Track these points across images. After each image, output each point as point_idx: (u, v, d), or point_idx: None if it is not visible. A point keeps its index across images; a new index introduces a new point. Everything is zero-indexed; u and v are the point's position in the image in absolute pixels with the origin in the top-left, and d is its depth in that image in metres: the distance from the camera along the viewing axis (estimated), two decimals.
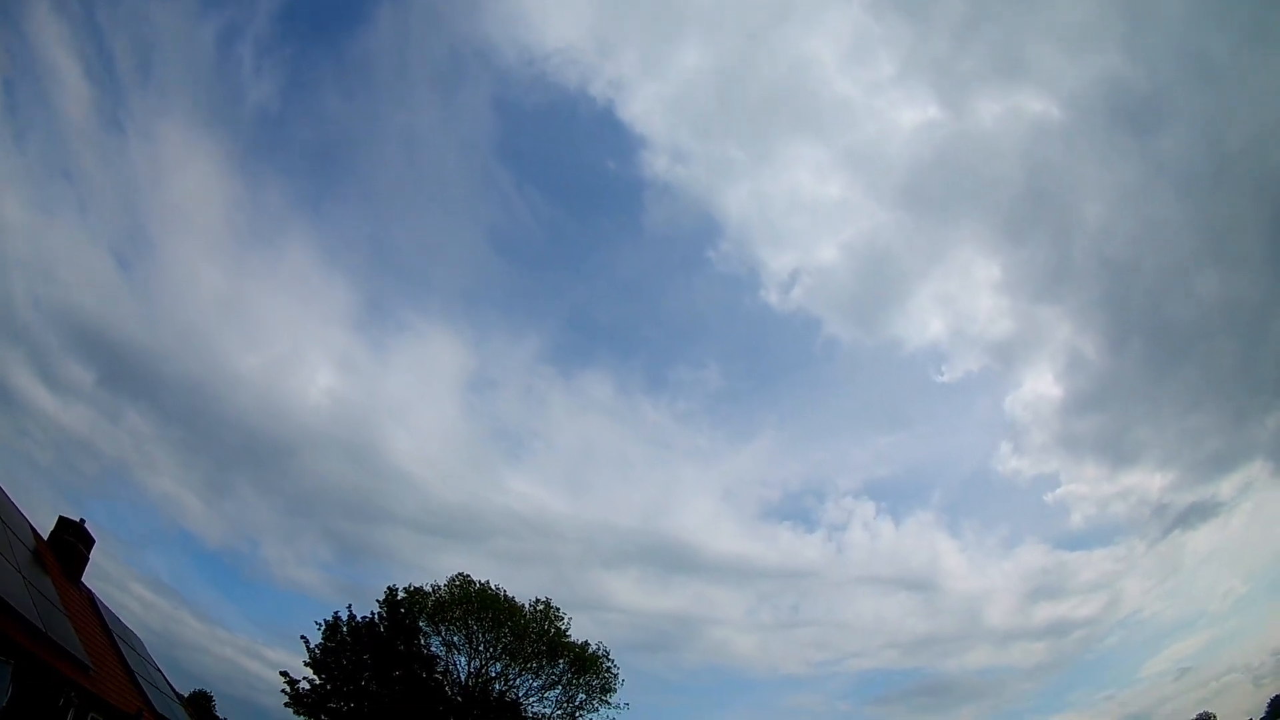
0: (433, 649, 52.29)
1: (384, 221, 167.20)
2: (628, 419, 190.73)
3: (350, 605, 48.48)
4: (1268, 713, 77.39)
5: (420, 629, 51.34)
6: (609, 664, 55.03)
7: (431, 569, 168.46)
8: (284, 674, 44.99)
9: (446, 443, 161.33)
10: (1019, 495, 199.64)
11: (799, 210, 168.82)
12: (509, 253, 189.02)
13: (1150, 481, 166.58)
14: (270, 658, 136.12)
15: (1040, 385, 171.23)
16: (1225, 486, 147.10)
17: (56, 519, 19.41)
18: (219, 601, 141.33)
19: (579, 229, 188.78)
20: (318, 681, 44.71)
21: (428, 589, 54.11)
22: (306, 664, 44.93)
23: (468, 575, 55.35)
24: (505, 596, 54.69)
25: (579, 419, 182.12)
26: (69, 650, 15.20)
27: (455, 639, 53.87)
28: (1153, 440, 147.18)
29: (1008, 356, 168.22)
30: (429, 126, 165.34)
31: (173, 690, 22.28)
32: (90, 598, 19.97)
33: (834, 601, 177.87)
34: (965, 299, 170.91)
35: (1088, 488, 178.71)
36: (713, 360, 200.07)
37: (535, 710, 54.29)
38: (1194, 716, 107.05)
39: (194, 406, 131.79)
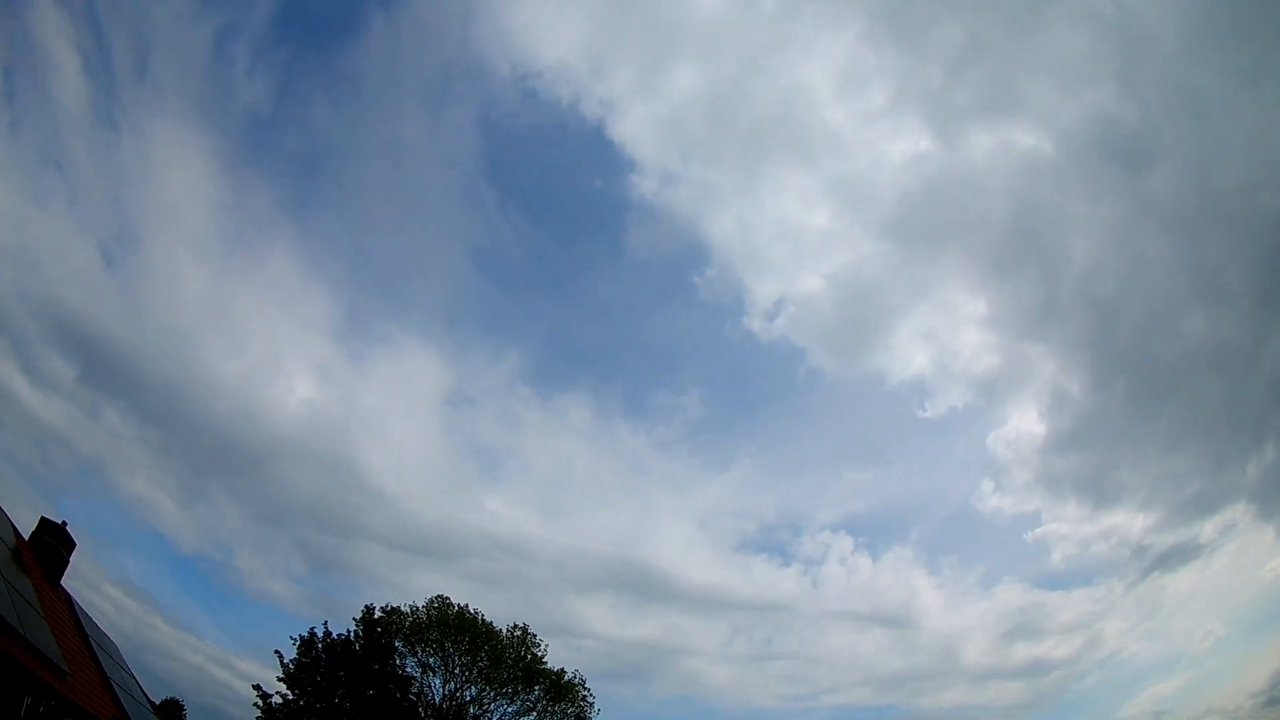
0: (408, 670, 51.66)
1: (367, 233, 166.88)
2: (605, 443, 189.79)
3: (326, 622, 47.79)
4: None
5: (396, 649, 50.79)
6: (585, 692, 54.54)
7: (403, 587, 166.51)
8: (257, 688, 44.29)
9: (422, 459, 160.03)
10: (999, 533, 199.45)
11: (785, 239, 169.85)
12: (490, 272, 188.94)
13: (1132, 522, 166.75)
14: (241, 669, 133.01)
15: (1024, 423, 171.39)
16: (1207, 529, 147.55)
17: (39, 520, 19.18)
18: (191, 608, 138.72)
19: (561, 251, 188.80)
20: (291, 697, 44.10)
21: (405, 609, 53.58)
22: (280, 679, 44.29)
23: (446, 598, 54.94)
24: (483, 621, 54.33)
25: (556, 441, 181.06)
26: (45, 654, 14.95)
27: (431, 661, 53.26)
28: (1135, 481, 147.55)
29: (992, 393, 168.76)
30: (415, 140, 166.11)
31: (146, 698, 21.89)
32: (69, 601, 19.66)
33: (808, 636, 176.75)
34: (950, 334, 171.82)
35: (1069, 527, 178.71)
36: (693, 387, 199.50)
37: None
38: None
39: (172, 408, 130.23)
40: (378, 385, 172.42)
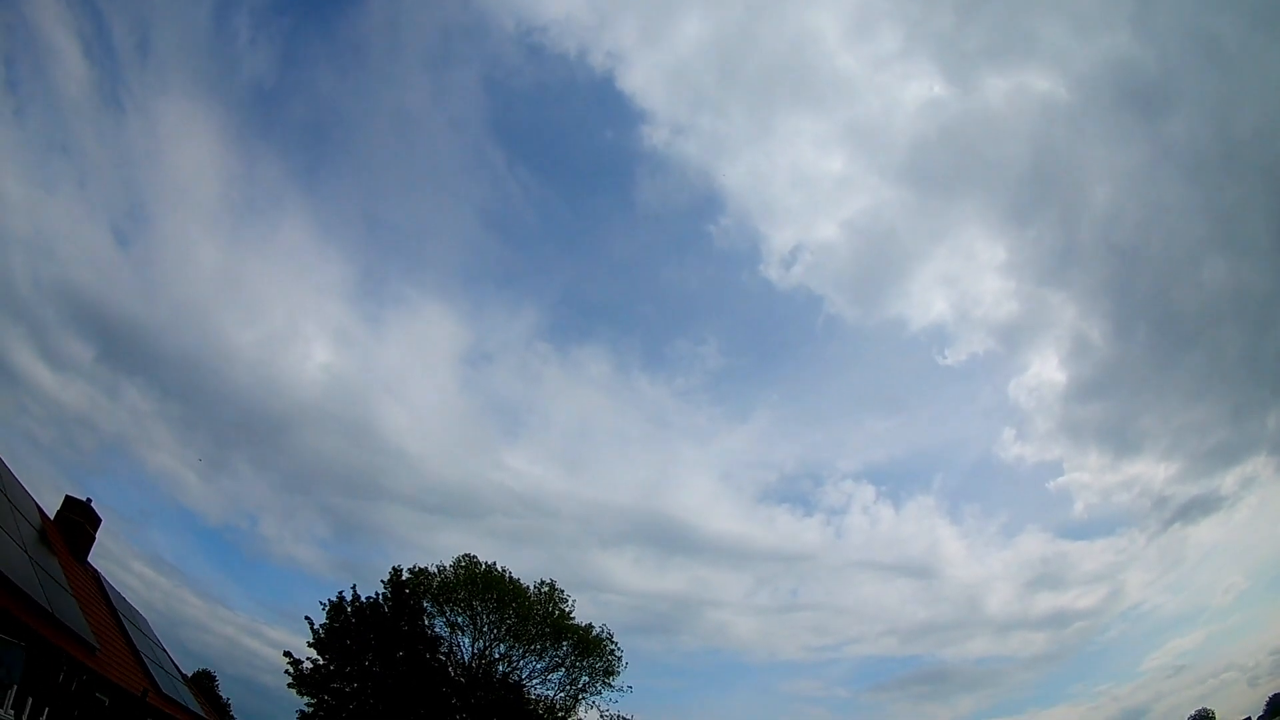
0: (437, 630, 52.30)
1: (377, 198, 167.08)
2: (625, 396, 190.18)
3: (354, 585, 48.63)
4: (1266, 711, 77.61)
5: (424, 610, 51.40)
6: (612, 647, 54.93)
7: (428, 547, 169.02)
8: (287, 654, 45.22)
9: (443, 419, 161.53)
10: (1021, 482, 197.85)
11: (800, 186, 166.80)
12: (501, 231, 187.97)
13: (1154, 472, 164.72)
14: (271, 636, 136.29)
15: (1045, 370, 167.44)
16: (1229, 480, 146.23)
17: (63, 498, 19.46)
18: (219, 579, 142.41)
19: (573, 207, 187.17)
20: (321, 661, 45.00)
21: (433, 569, 53.94)
22: (310, 644, 45.16)
23: (473, 556, 55.22)
24: (510, 578, 54.64)
25: (576, 395, 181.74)
26: (76, 631, 15.21)
27: (459, 620, 53.81)
28: (1157, 430, 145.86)
29: (1012, 340, 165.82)
30: (421, 104, 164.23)
31: (178, 670, 22.38)
32: (97, 577, 20.01)
33: (833, 586, 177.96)
34: (970, 280, 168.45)
35: (1091, 476, 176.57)
36: (712, 337, 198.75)
37: (538, 692, 54.33)
38: (1192, 713, 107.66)
39: (192, 382, 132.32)
40: (395, 347, 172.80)
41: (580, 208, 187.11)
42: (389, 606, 48.44)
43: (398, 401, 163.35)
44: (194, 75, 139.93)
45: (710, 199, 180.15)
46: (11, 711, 11.36)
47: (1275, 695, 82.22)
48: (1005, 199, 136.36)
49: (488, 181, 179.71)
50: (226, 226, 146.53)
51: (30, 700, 12.17)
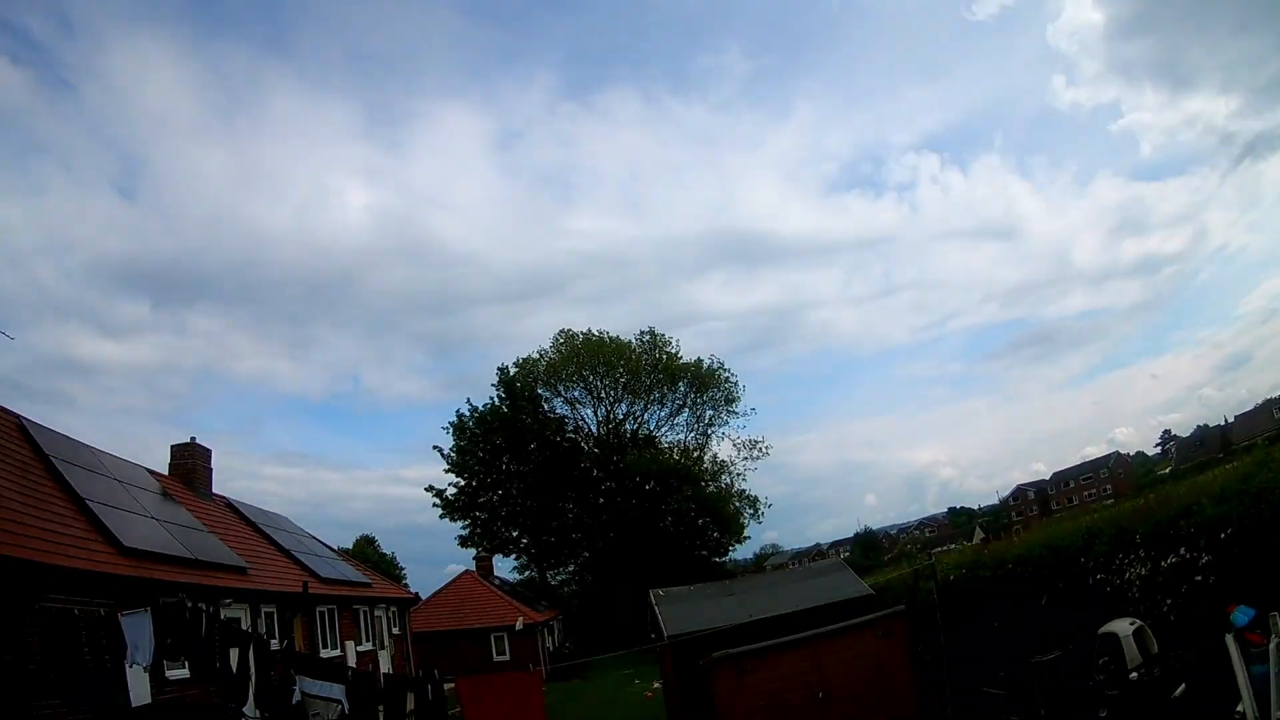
0: (558, 411, 55.53)
1: (351, 32, 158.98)
2: (663, 126, 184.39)
3: (468, 399, 51.85)
4: None
5: (541, 396, 54.20)
6: (726, 374, 57.06)
7: (523, 336, 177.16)
8: (429, 488, 49.48)
9: (494, 210, 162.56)
10: (1082, 128, 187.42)
11: None
12: (483, 13, 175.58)
13: (1214, 107, 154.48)
14: (410, 477, 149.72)
15: (1080, 11, 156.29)
16: None
17: (170, 449, 21.01)
18: (346, 446, 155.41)
19: None
20: (462, 483, 49.16)
21: (535, 356, 56.09)
22: (446, 470, 49.14)
23: (569, 330, 56.99)
24: (610, 338, 56.29)
25: (615, 141, 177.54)
26: (223, 562, 17.01)
27: (575, 394, 56.77)
28: (1208, 63, 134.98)
29: None
30: None
31: (330, 551, 25.06)
32: (228, 503, 22.04)
33: (921, 263, 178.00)
34: None
35: (1151, 115, 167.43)
36: (731, 42, 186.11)
37: (670, 439, 58.00)
38: None
39: (247, 284, 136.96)
40: (424, 161, 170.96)
41: None
42: (506, 406, 51.04)
43: (446, 210, 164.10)
44: (126, 14, 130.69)
45: None
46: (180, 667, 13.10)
47: None
48: None
49: None
50: (219, 129, 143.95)
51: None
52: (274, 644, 16.49)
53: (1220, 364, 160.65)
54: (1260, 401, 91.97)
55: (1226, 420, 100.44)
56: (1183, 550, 11.26)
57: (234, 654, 12.91)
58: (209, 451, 21.84)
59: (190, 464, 20.76)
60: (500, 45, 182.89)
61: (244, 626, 15.87)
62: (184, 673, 13.15)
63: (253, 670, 14.58)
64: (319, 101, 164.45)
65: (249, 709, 14.15)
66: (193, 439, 21.46)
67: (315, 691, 14.08)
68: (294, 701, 13.43)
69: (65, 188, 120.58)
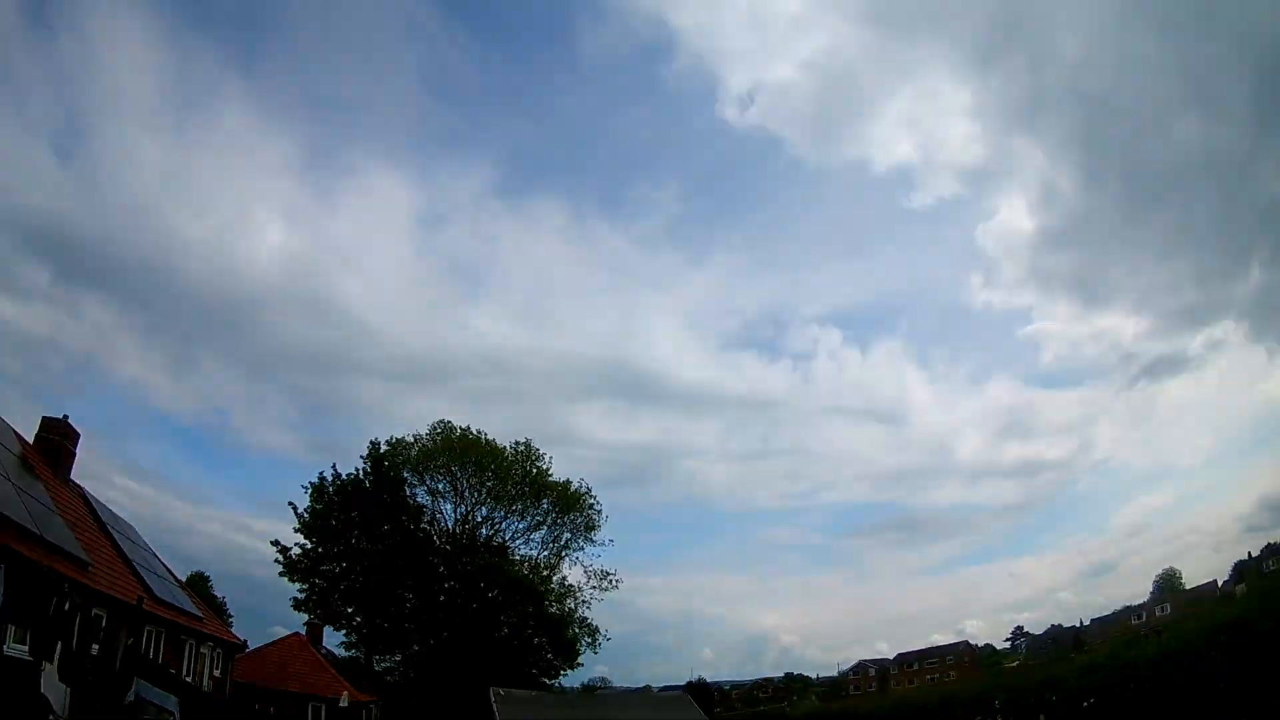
0: (419, 500, 53.77)
1: (315, 75, 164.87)
2: (584, 245, 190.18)
3: (334, 465, 49.53)
4: (1231, 576, 78.28)
5: (405, 480, 52.56)
6: (591, 500, 56.78)
7: (400, 417, 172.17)
8: (275, 543, 46.65)
9: (402, 285, 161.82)
10: (989, 328, 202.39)
11: (755, 27, 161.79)
12: (443, 94, 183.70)
13: (1123, 326, 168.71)
14: (259, 529, 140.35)
15: (1013, 217, 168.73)
16: (1197, 341, 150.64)
17: (40, 420, 19.81)
18: (201, 479, 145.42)
19: (514, 65, 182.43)
20: (309, 545, 46.60)
21: (409, 439, 54.75)
22: (296, 529, 46.60)
23: (449, 422, 56.00)
24: (486, 440, 55.56)
25: (534, 248, 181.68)
26: (66, 550, 15.97)
27: (440, 486, 55.14)
28: (1126, 285, 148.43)
29: (979, 184, 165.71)
30: None
31: (170, 574, 23.49)
32: (82, 494, 20.70)
33: (803, 432, 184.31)
34: (935, 122, 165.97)
35: (1060, 326, 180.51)
36: (669, 180, 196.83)
37: (523, 553, 56.69)
38: (1159, 571, 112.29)
39: (151, 286, 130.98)
40: (348, 218, 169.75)
41: (522, 64, 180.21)
42: (370, 481, 49.31)
43: (355, 273, 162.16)
44: None
45: (660, 42, 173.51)
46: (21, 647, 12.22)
47: (1240, 561, 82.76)
48: (970, 42, 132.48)
49: (424, 44, 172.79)
50: (168, 124, 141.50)
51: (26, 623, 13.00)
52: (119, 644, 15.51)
53: (1084, 570, 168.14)
54: (1119, 608, 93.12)
55: (1082, 622, 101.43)
56: (1041, 717, 12.39)
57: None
58: (78, 435, 20.73)
59: (57, 442, 19.63)
60: (450, 127, 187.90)
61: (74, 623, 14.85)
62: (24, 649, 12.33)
63: (97, 655, 13.85)
64: (266, 128, 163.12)
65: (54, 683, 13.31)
66: (66, 418, 20.38)
67: (151, 697, 13.35)
68: (127, 701, 12.72)
69: (8, 127, 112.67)
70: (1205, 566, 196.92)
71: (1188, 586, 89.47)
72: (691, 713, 19.82)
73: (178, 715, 12.23)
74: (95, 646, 14.86)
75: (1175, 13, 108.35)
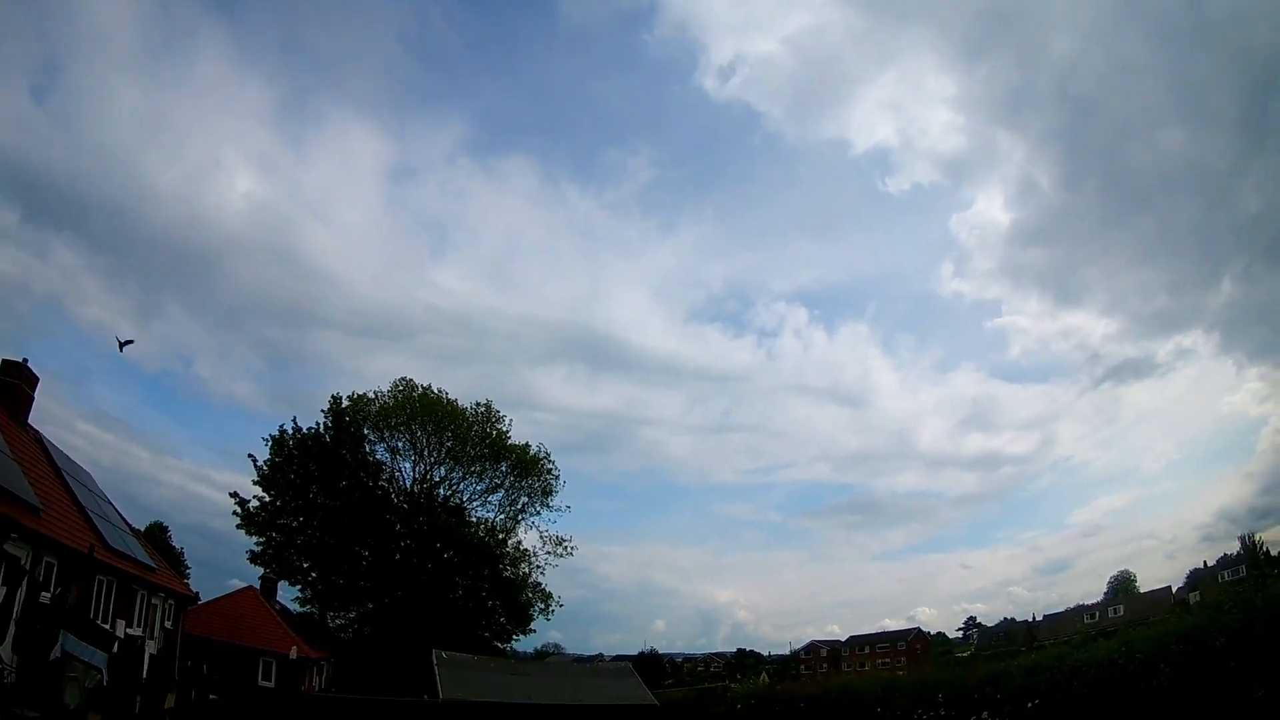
0: (378, 456, 53.90)
1: (295, 24, 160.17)
2: (553, 208, 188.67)
3: (295, 418, 49.40)
4: (1185, 584, 79.53)
5: (365, 436, 52.70)
6: (550, 466, 57.30)
7: (362, 372, 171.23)
8: (233, 495, 46.58)
9: (369, 239, 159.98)
10: (958, 318, 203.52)
11: (741, 1, 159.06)
12: (422, 53, 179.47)
13: (1093, 326, 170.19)
14: (219, 480, 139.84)
15: (989, 209, 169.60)
16: (1165, 348, 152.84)
17: None
18: (164, 428, 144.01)
19: (494, 27, 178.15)
20: (267, 499, 46.62)
21: (370, 395, 54.75)
22: (255, 482, 46.57)
23: (410, 379, 56.06)
24: (447, 400, 55.73)
25: (503, 209, 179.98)
26: (19, 495, 16.11)
27: (400, 445, 55.23)
28: (1099, 285, 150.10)
29: (958, 174, 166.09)
30: None
31: (125, 523, 23.61)
32: (38, 438, 20.71)
33: (765, 409, 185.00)
34: (917, 108, 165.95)
35: (1029, 321, 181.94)
36: (644, 147, 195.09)
37: (480, 514, 57.19)
38: (1114, 572, 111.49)
39: (119, 230, 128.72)
40: (318, 167, 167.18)
41: (503, 22, 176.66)
42: (330, 436, 49.33)
43: (324, 224, 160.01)
44: None
45: (643, 8, 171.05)
46: None
47: (1195, 570, 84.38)
48: (958, 31, 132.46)
49: (406, 3, 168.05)
50: (144, 67, 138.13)
51: None
52: (45, 596, 15.70)
53: (1038, 566, 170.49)
54: (1072, 606, 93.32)
55: (1035, 618, 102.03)
56: (985, 714, 12.80)
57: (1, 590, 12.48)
58: (37, 379, 20.71)
59: (14, 385, 19.61)
60: (427, 84, 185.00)
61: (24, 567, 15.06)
62: None
63: (17, 610, 14.10)
64: (241, 74, 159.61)
65: (4, 650, 13.56)
66: (25, 360, 20.36)
67: (77, 653, 13.58)
68: (53, 658, 12.95)
69: None
70: (1159, 573, 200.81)
71: (1141, 590, 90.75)
72: (634, 684, 20.43)
73: (105, 673, 12.40)
74: (46, 595, 15.08)
75: (1170, 21, 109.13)
